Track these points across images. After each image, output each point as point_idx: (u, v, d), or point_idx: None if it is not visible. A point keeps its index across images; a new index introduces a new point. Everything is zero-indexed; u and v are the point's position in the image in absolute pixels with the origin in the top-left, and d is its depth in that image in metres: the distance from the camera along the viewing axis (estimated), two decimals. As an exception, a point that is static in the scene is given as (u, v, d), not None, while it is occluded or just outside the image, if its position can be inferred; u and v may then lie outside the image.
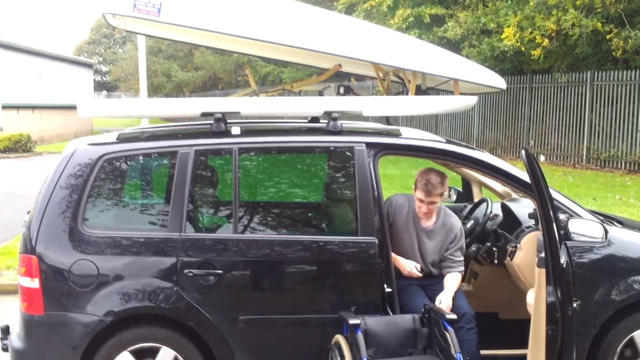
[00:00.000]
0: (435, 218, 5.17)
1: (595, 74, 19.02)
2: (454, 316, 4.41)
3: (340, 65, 5.90)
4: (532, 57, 18.90)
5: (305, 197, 5.87)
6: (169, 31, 5.77)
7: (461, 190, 6.61)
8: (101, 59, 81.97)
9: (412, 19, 22.02)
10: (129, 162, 4.86)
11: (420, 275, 4.98)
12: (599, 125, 18.91)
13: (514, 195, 6.00)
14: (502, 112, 22.42)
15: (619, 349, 4.78)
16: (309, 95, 5.58)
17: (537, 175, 4.32)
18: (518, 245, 4.96)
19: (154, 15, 4.68)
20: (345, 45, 5.00)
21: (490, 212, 5.64)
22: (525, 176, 4.70)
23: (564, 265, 4.33)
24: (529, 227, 5.07)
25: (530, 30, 18.38)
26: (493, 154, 6.07)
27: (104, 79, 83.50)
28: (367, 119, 5.93)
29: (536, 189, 4.34)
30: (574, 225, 4.67)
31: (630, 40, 16.76)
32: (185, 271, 4.47)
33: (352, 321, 4.25)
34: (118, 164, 4.77)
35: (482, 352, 4.90)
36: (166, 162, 4.86)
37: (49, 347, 4.49)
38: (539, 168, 4.35)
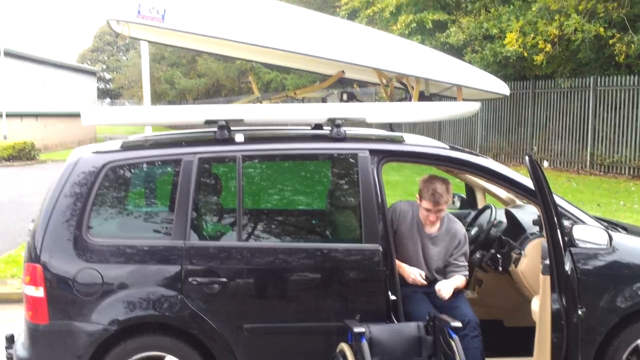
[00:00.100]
0: (440, 224, 5.16)
1: (598, 79, 19.01)
2: (459, 324, 4.39)
3: (343, 71, 5.90)
4: (534, 63, 18.91)
5: (309, 205, 5.87)
6: (173, 37, 5.78)
7: (465, 196, 6.60)
8: (104, 66, 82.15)
9: (415, 24, 22.04)
10: (133, 170, 4.87)
11: (425, 282, 4.97)
12: (602, 130, 18.89)
13: (518, 202, 5.99)
14: (505, 118, 22.42)
15: (624, 357, 4.75)
16: (312, 102, 5.59)
17: (541, 181, 4.31)
18: (522, 252, 4.95)
19: (158, 22, 4.69)
20: (348, 51, 5.00)
21: (494, 218, 5.63)
22: (529, 182, 4.69)
23: (569, 272, 4.32)
24: (533, 233, 5.06)
25: (532, 35, 18.40)
26: (496, 160, 6.06)
27: (108, 86, 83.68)
28: (370, 125, 5.92)
29: (540, 195, 4.33)
30: (578, 232, 4.65)
31: (633, 45, 16.76)
32: (190, 279, 4.47)
33: (356, 329, 4.24)
34: (122, 172, 4.77)
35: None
36: (170, 170, 4.87)
37: (54, 356, 4.48)
38: (542, 174, 4.35)
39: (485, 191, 6.32)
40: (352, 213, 5.00)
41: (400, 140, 5.12)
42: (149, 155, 4.85)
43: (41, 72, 38.69)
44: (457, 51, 20.32)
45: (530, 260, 4.86)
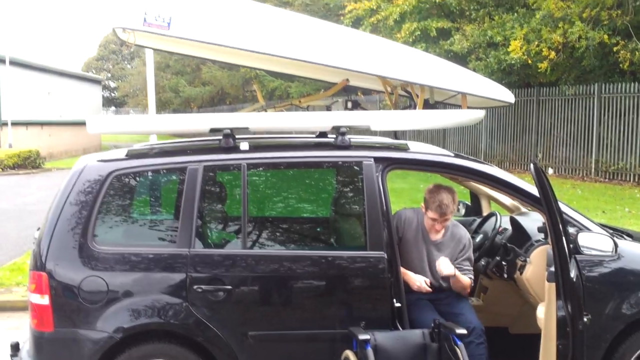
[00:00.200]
0: (444, 230, 5.16)
1: (603, 86, 19.01)
2: (464, 331, 4.38)
3: (347, 80, 5.92)
4: (539, 70, 18.91)
5: (313, 212, 5.87)
6: (179, 45, 5.80)
7: (470, 204, 6.60)
8: (109, 75, 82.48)
9: (419, 32, 22.07)
10: (138, 178, 4.88)
11: (430, 290, 4.96)
12: (607, 137, 18.88)
13: (523, 209, 5.98)
14: (510, 125, 22.43)
15: (630, 363, 4.75)
16: (316, 110, 5.60)
17: (546, 188, 4.31)
18: (528, 259, 4.94)
19: (164, 30, 4.71)
20: (353, 59, 5.02)
21: (499, 226, 5.63)
22: (534, 190, 4.69)
23: (574, 280, 4.31)
24: (538, 241, 5.05)
25: (537, 43, 18.41)
26: (501, 168, 6.07)
27: (113, 94, 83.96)
28: (375, 133, 5.93)
29: (545, 202, 4.33)
30: (583, 239, 4.64)
31: (637, 52, 16.76)
32: (195, 287, 4.47)
33: (361, 336, 4.24)
34: (127, 180, 4.78)
35: (492, 367, 4.88)
36: (175, 178, 4.88)
37: (59, 363, 4.48)
38: (547, 181, 4.34)
39: (490, 198, 6.31)
40: (356, 221, 5.00)
41: (404, 148, 5.12)
42: (154, 163, 4.87)
43: (46, 80, 38.84)
44: (461, 59, 20.34)
45: (535, 268, 4.85)
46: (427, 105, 5.49)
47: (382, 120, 5.25)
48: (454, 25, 22.84)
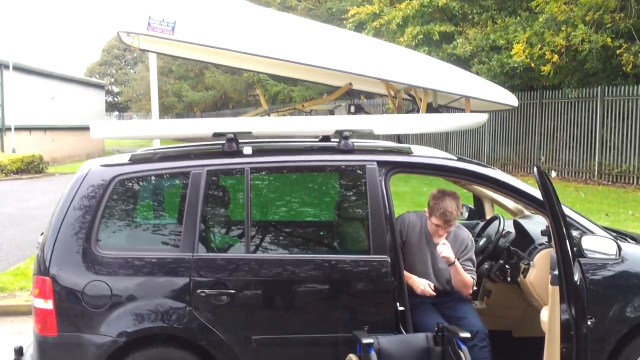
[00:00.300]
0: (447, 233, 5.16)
1: (606, 89, 18.99)
2: (468, 334, 4.37)
3: (351, 84, 5.92)
4: (542, 73, 18.92)
5: (317, 216, 5.87)
6: (183, 49, 5.81)
7: (473, 207, 6.60)
8: (112, 79, 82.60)
9: (422, 36, 22.07)
10: (141, 183, 4.89)
11: (434, 293, 4.96)
12: (610, 140, 18.85)
13: (526, 212, 5.98)
14: (513, 128, 22.41)
15: (634, 367, 4.74)
16: (319, 114, 5.61)
17: (549, 192, 4.31)
18: (531, 262, 4.93)
19: (168, 34, 4.72)
20: (357, 63, 5.02)
21: (503, 229, 5.62)
22: (537, 193, 4.69)
23: (578, 283, 4.31)
24: (541, 244, 5.04)
25: (539, 46, 18.41)
26: (504, 171, 6.06)
27: (116, 99, 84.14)
28: (378, 137, 5.93)
29: (548, 205, 4.33)
30: (587, 242, 4.64)
31: (640, 55, 16.76)
32: (198, 291, 4.47)
33: (365, 340, 4.24)
34: (131, 184, 4.79)
35: (496, 370, 4.87)
36: (178, 183, 4.88)
37: (63, 368, 4.49)
38: (551, 185, 4.34)
39: (493, 202, 6.31)
40: (360, 224, 5.00)
41: (408, 152, 5.12)
42: (157, 168, 4.88)
43: (50, 85, 38.93)
44: (464, 62, 20.35)
45: (539, 271, 4.85)
46: (431, 108, 5.49)
47: (385, 124, 5.25)
48: (456, 29, 22.85)
